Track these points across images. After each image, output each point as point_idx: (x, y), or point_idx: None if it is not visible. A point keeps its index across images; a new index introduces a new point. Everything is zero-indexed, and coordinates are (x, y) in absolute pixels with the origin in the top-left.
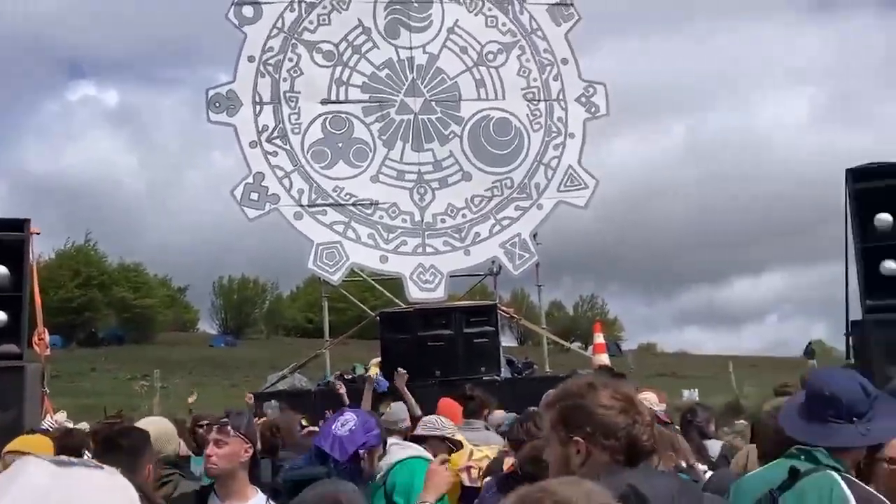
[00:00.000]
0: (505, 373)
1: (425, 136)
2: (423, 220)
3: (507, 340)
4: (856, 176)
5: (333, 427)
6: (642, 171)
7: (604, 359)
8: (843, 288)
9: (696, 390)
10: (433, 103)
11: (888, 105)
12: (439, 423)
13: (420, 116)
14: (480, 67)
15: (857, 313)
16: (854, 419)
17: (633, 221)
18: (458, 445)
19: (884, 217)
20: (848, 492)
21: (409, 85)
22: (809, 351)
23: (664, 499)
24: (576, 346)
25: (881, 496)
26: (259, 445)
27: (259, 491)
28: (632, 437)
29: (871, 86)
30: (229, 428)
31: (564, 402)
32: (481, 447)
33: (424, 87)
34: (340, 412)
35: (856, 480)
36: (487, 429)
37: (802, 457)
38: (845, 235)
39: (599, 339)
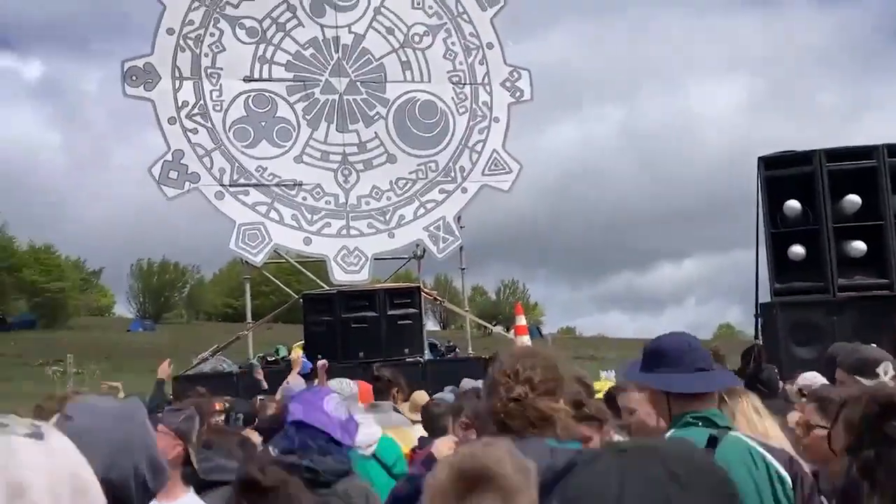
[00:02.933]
0: (428, 356)
1: (350, 118)
2: (347, 202)
3: (430, 325)
4: (767, 164)
5: (328, 408)
6: (580, 155)
7: (525, 340)
8: (761, 271)
9: (613, 372)
10: (358, 84)
11: (824, 94)
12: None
13: (345, 97)
14: (406, 49)
15: (767, 296)
16: (715, 366)
17: (565, 206)
18: None
19: (793, 204)
20: (763, 451)
21: (334, 65)
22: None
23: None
24: (498, 329)
25: (793, 453)
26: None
27: (191, 490)
28: (488, 408)
29: (807, 75)
30: (159, 425)
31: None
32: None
33: (350, 67)
34: (319, 389)
35: (761, 440)
36: (397, 410)
37: (700, 423)
38: (756, 222)
39: (521, 321)
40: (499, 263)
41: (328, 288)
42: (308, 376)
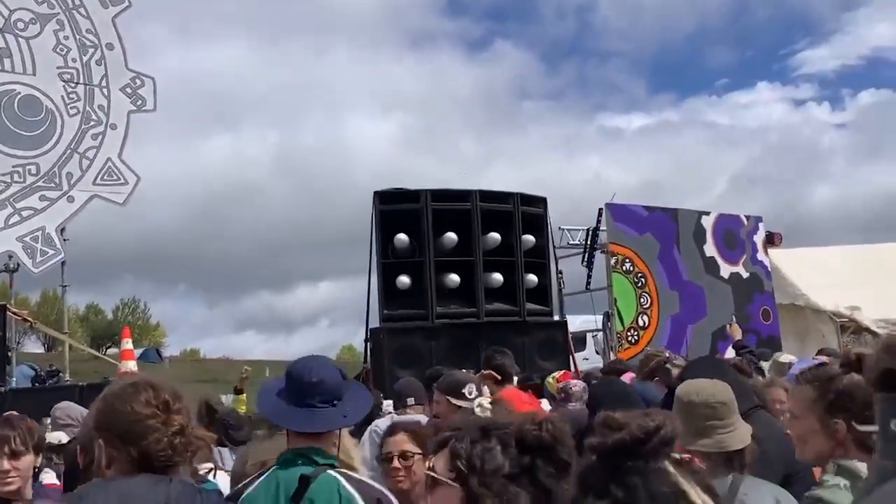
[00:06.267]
0: (24, 382)
1: None
2: None
3: (32, 346)
4: (382, 199)
5: None
6: (233, 173)
7: (131, 365)
8: (373, 298)
9: (233, 396)
10: None
11: (465, 140)
12: None
13: None
14: (7, 35)
15: (378, 322)
16: (335, 402)
17: (213, 224)
18: None
19: (402, 237)
20: (352, 490)
21: None
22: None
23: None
24: (113, 352)
25: (383, 489)
26: None
27: None
28: (143, 447)
29: (452, 120)
30: None
31: (103, 401)
32: None
33: None
34: None
35: (357, 477)
36: None
37: (300, 461)
38: (370, 251)
39: (127, 345)
40: (132, 278)
41: None
42: None
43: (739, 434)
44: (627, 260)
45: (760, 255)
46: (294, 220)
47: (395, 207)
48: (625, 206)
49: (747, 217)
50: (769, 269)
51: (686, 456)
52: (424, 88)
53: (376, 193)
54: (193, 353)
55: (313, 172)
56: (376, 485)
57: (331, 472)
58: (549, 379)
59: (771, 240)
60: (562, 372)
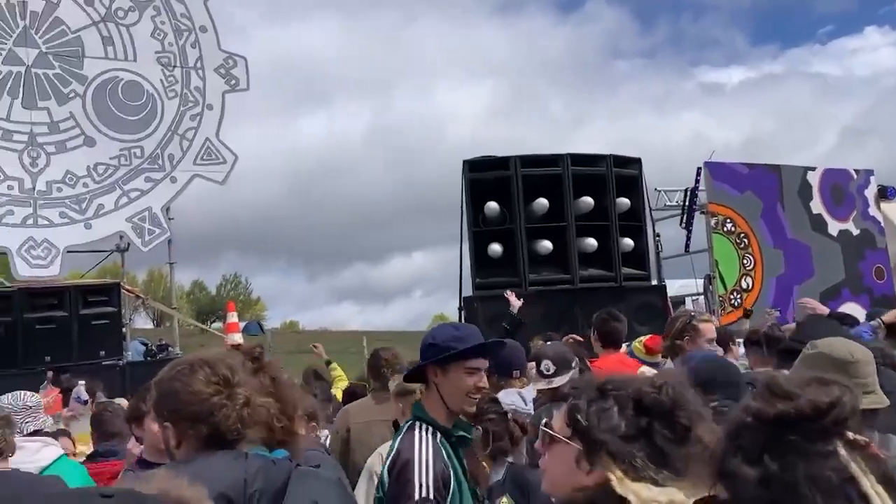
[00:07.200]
0: (136, 356)
1: (40, 93)
2: (34, 188)
3: (141, 322)
4: (470, 167)
5: None
6: (328, 149)
7: (237, 338)
8: (465, 266)
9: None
10: (50, 57)
11: (557, 101)
12: None
13: (34, 70)
14: (109, 24)
15: (471, 290)
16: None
17: (310, 199)
18: None
19: (492, 205)
20: (395, 443)
21: (20, 33)
22: None
23: (234, 482)
24: (217, 326)
25: (418, 450)
26: None
27: None
28: (214, 424)
29: (545, 83)
30: None
31: (160, 385)
32: None
33: (40, 37)
34: None
35: (416, 433)
36: None
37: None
38: (461, 220)
39: (233, 318)
40: (234, 255)
41: (8, 285)
42: None
43: (881, 392)
44: (728, 220)
45: (872, 211)
46: (387, 192)
47: (484, 175)
48: (724, 164)
49: (857, 171)
50: (882, 224)
51: (863, 438)
52: (514, 53)
53: (465, 162)
54: (293, 325)
55: (405, 143)
56: (417, 444)
57: (408, 423)
58: (636, 343)
59: (884, 193)
60: (648, 336)
